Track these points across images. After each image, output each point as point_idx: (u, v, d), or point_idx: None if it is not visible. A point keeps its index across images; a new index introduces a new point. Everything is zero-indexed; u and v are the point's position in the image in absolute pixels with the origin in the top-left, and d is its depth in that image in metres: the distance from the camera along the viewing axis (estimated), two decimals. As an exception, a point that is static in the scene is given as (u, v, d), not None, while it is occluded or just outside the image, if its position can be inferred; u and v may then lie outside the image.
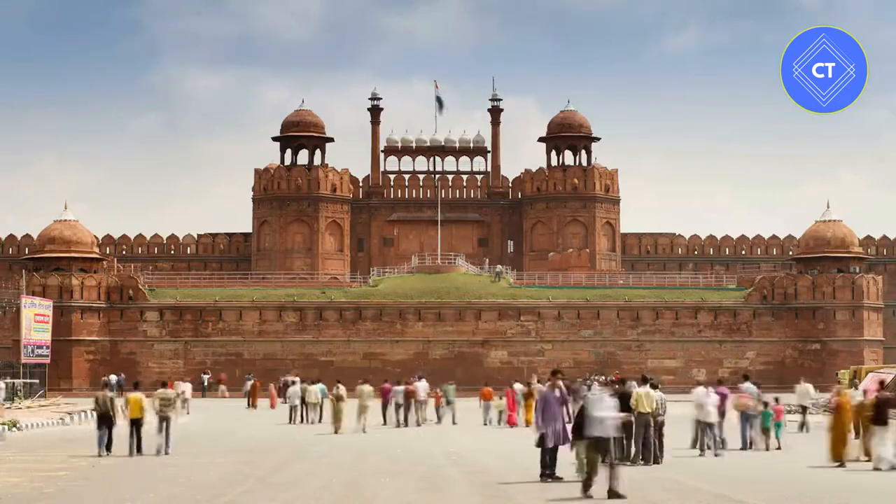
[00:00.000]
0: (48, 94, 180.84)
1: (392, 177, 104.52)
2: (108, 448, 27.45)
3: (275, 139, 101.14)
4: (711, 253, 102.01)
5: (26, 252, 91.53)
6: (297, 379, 53.55)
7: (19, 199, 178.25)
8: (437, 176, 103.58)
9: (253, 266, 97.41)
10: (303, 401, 43.88)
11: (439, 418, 43.04)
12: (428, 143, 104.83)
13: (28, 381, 60.14)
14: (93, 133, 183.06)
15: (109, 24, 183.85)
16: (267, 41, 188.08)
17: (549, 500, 19.09)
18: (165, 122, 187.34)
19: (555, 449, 21.36)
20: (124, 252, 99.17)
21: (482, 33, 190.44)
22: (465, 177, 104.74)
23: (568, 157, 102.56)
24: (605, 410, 19.53)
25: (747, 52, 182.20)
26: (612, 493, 18.70)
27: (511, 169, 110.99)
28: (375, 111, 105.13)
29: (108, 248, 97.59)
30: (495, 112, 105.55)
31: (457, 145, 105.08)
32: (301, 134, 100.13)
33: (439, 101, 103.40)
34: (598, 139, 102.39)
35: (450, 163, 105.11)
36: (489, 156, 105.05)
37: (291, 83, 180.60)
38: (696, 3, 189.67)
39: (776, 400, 30.88)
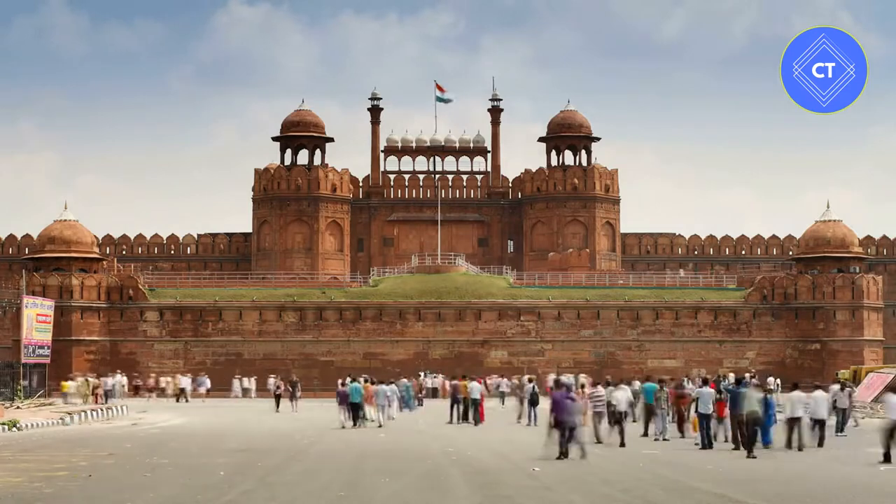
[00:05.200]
0: (49, 93, 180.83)
1: (392, 177, 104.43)
2: None
3: (275, 139, 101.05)
4: (711, 253, 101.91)
5: (26, 252, 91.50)
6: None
7: (20, 199, 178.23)
8: (437, 176, 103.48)
9: (253, 266, 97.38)
10: None
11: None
12: (428, 143, 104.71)
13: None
14: (94, 133, 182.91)
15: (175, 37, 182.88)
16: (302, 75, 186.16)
17: (548, 499, 19.09)
18: (178, 127, 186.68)
19: None
20: (124, 252, 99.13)
21: (484, 34, 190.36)
22: (465, 177, 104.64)
23: (568, 157, 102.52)
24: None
25: (748, 52, 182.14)
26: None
27: (511, 169, 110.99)
28: (375, 111, 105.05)
29: (108, 248, 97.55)
30: (495, 112, 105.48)
31: (457, 145, 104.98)
32: (301, 134, 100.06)
33: (442, 99, 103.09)
34: (598, 139, 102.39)
35: (450, 163, 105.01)
36: (489, 156, 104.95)
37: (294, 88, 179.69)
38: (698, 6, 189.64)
39: None
